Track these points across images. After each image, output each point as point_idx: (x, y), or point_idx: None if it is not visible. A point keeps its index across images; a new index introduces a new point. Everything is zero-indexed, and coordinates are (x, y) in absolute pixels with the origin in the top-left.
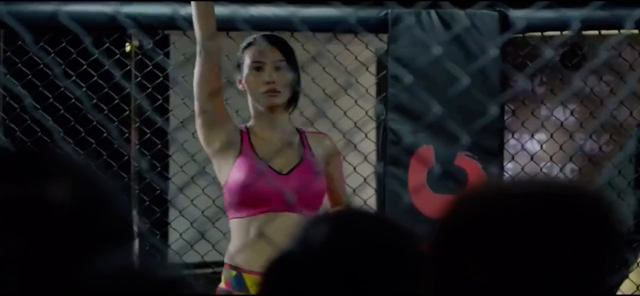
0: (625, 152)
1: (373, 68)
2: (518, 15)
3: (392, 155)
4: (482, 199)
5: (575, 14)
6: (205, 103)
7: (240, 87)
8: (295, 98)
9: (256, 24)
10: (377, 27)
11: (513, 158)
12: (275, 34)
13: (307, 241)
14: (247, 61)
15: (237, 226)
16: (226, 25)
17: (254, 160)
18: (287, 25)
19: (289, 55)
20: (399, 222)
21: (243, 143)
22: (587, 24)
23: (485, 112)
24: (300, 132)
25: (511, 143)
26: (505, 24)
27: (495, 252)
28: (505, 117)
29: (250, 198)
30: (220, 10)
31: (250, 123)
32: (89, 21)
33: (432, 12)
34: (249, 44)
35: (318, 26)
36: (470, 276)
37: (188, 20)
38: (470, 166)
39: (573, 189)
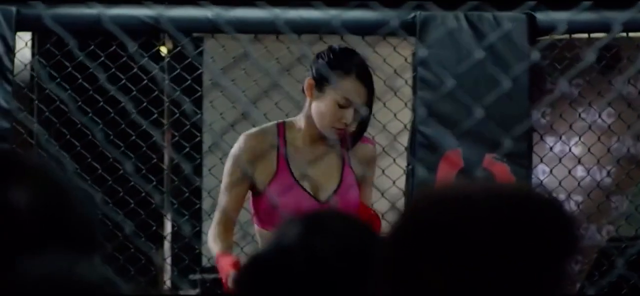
0: None
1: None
2: (546, 17)
3: (421, 158)
4: (438, 203)
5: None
6: None
7: (306, 89)
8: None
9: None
10: (405, 30)
11: (541, 160)
12: (370, 70)
13: (279, 243)
14: (335, 91)
15: (265, 236)
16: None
17: (290, 182)
18: (312, 27)
19: (372, 97)
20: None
21: (279, 159)
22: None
23: (514, 114)
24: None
25: (549, 147)
26: (533, 26)
27: (451, 256)
28: (536, 120)
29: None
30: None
31: (296, 130)
32: (122, 25)
33: (461, 15)
34: (346, 73)
35: (350, 29)
36: (426, 279)
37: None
38: (498, 169)
39: (531, 194)
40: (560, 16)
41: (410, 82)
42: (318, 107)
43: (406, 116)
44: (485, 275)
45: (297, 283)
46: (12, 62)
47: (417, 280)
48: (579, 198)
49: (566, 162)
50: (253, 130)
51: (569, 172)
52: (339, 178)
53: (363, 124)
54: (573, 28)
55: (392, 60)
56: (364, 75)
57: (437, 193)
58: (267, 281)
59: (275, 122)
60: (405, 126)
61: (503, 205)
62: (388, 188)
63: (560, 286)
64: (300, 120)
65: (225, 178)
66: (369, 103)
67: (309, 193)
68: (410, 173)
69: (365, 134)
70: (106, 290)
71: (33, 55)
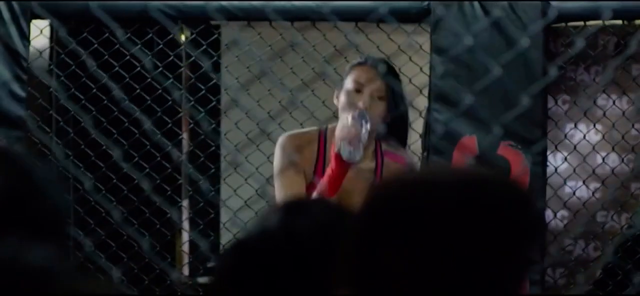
0: None
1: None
2: (561, 4)
3: (435, 145)
4: (403, 189)
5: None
6: None
7: (335, 101)
8: (398, 124)
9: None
10: (420, 18)
11: (556, 147)
12: (387, 61)
13: (262, 227)
14: (348, 81)
15: None
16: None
17: None
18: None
19: (393, 87)
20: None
21: (317, 169)
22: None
23: (527, 101)
24: (379, 157)
25: (569, 134)
26: (547, 13)
27: (413, 241)
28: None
29: None
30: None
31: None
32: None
33: (475, 2)
34: (359, 64)
35: (363, 16)
36: (389, 265)
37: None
38: (513, 156)
39: (494, 180)
40: (575, 4)
41: (425, 69)
42: (339, 104)
43: (421, 103)
44: (444, 258)
45: (277, 263)
46: (27, 49)
47: (380, 266)
48: (597, 185)
49: (583, 149)
50: (294, 132)
51: (584, 159)
52: None
53: (398, 121)
54: (587, 15)
55: (407, 48)
56: (376, 64)
57: (399, 180)
58: (250, 263)
59: (318, 128)
60: (420, 113)
61: (468, 190)
62: None
63: (520, 270)
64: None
65: (279, 182)
66: (387, 90)
67: None
68: (425, 160)
69: (398, 151)
70: (46, 277)
71: (51, 42)
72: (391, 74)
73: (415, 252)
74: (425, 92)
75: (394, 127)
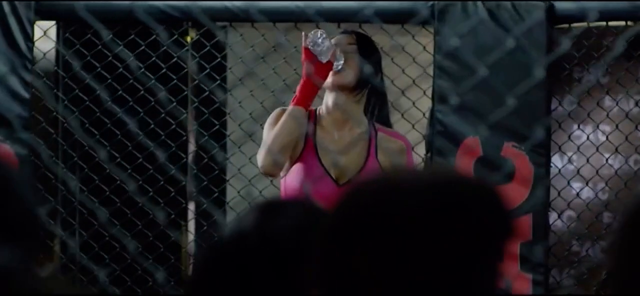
0: None
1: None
2: (565, 5)
3: (439, 146)
4: (372, 191)
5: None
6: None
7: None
8: (373, 94)
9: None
10: (423, 17)
11: (560, 148)
12: (365, 34)
13: (237, 228)
14: None
15: None
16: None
17: (314, 165)
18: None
19: (363, 44)
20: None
21: (306, 144)
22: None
23: (529, 101)
24: (372, 133)
25: (576, 135)
26: (551, 14)
27: (382, 244)
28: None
29: None
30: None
31: (322, 111)
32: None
33: (479, 3)
34: (336, 36)
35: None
36: (358, 268)
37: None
38: (517, 157)
39: (464, 181)
40: (580, 4)
41: (428, 70)
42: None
43: (425, 104)
44: (412, 261)
45: (252, 263)
46: (31, 50)
47: (350, 270)
48: (601, 185)
49: (586, 151)
50: (286, 107)
51: (587, 160)
52: (361, 166)
53: (376, 91)
54: (589, 16)
55: (411, 49)
56: (353, 32)
57: (371, 183)
58: (225, 263)
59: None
60: (423, 114)
61: (439, 193)
62: None
63: (493, 269)
64: (322, 107)
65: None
66: (358, 46)
67: (330, 177)
68: (428, 161)
69: (397, 129)
70: (6, 277)
71: (57, 43)
72: (359, 33)
73: (384, 255)
74: (429, 93)
75: (372, 91)
